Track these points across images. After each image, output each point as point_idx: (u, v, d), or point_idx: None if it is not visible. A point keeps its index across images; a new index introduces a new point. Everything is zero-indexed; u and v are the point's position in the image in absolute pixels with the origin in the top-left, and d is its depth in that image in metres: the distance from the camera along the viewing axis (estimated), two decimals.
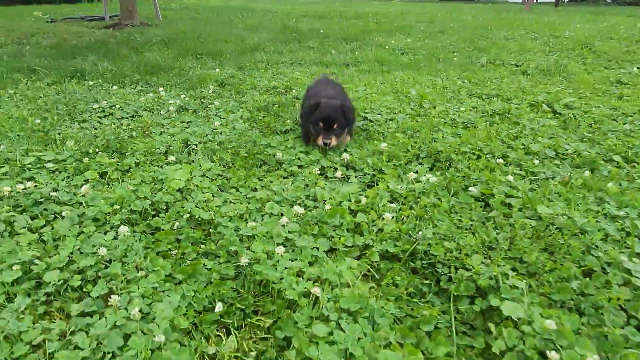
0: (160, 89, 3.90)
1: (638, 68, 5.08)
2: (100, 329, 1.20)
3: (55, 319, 1.31)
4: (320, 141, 2.48)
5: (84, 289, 1.41)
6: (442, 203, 1.91)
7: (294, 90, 4.03)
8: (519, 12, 15.33)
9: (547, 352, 1.15)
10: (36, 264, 1.47)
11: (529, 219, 1.82)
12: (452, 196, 2.02)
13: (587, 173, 2.28)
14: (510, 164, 2.40)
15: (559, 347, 1.16)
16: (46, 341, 1.21)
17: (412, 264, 1.59)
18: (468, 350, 1.26)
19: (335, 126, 2.47)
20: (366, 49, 6.41)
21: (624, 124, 3.02)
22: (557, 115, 3.29)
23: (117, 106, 3.39)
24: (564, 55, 5.96)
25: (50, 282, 1.40)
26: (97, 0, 17.06)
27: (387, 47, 6.47)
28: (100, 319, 1.26)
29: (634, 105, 3.48)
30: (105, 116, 3.22)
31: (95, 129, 2.95)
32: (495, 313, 1.33)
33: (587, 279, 1.44)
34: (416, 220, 1.80)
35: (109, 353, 1.15)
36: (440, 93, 3.90)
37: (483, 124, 3.00)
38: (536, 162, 2.41)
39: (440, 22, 10.53)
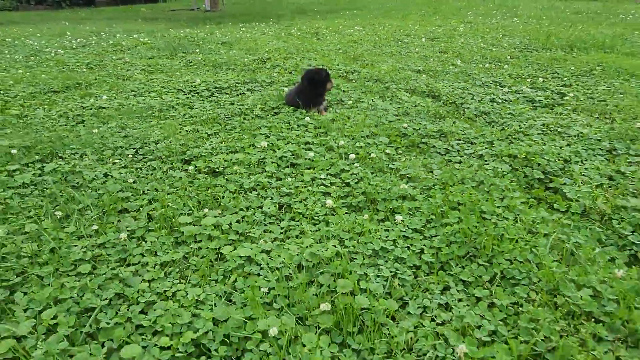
0: (246, 24, 11.71)
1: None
2: None
3: None
4: (333, 83, 3.91)
5: None
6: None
7: (295, 25, 11.75)
8: None
9: None
10: None
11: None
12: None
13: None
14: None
15: None
16: None
17: None
18: None
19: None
20: (335, 14, 14.16)
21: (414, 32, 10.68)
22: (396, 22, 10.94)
23: (243, 27, 11.19)
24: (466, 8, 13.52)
25: None
26: None
27: (341, 12, 14.24)
28: None
29: (445, 21, 11.11)
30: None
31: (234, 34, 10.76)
32: None
33: None
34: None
35: None
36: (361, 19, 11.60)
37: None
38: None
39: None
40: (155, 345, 1.40)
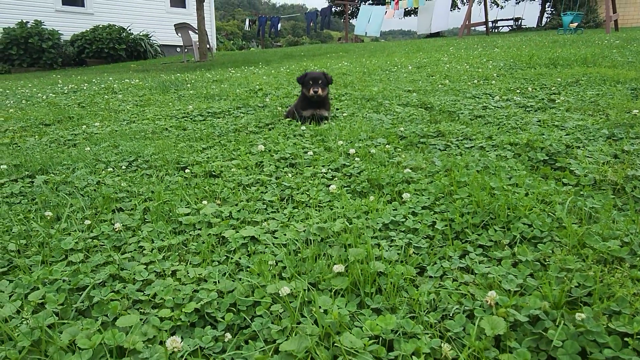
0: (236, 68, 11.99)
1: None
2: None
3: None
4: (311, 91, 3.59)
5: None
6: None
7: (284, 66, 12.07)
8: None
9: None
10: None
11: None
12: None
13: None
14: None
15: None
16: None
17: None
18: None
19: (320, 82, 3.64)
20: (321, 56, 14.59)
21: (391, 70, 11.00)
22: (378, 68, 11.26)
23: (233, 70, 11.46)
24: (447, 45, 14.01)
25: None
26: (160, 55, 26.06)
27: (328, 55, 14.68)
28: None
29: (398, 58, 11.46)
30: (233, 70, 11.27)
31: (230, 72, 11.01)
32: None
33: None
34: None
35: None
36: (348, 60, 11.93)
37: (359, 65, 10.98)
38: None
39: (367, 47, 18.81)
40: (156, 315, 1.26)
